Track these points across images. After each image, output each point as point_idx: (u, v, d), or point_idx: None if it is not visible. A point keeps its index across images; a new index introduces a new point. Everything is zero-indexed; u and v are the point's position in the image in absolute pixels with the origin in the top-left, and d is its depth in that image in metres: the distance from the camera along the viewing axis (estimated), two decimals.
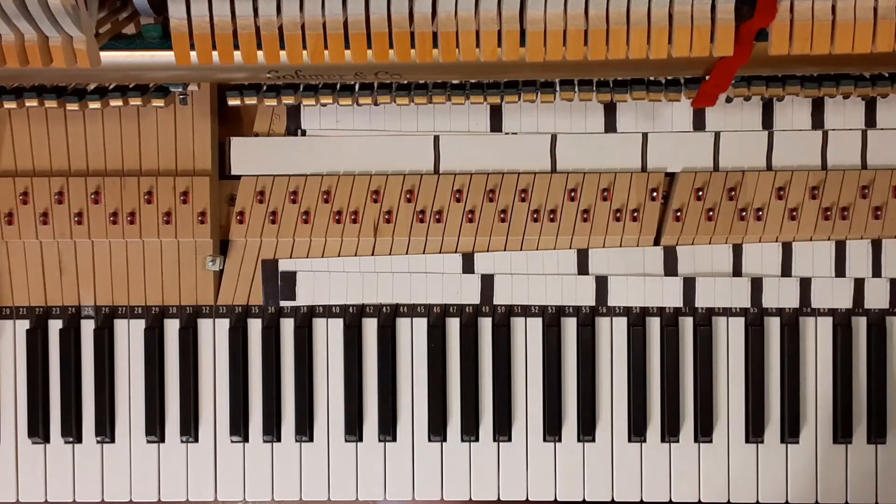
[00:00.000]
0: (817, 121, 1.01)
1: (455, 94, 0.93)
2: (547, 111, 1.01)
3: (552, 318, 1.03)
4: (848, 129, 1.01)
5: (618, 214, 1.01)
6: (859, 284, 1.01)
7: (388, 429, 1.03)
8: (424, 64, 0.77)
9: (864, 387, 1.03)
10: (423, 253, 1.02)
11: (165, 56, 0.77)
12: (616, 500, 1.03)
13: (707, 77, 0.84)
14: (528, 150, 1.02)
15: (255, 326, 1.04)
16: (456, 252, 1.02)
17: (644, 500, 1.03)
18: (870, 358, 1.02)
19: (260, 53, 0.74)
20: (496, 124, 1.02)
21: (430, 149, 1.02)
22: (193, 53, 0.74)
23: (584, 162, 1.02)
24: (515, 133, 1.02)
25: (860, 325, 1.03)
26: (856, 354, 1.02)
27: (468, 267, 1.02)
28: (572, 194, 1.01)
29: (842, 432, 1.02)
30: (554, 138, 1.02)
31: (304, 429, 1.03)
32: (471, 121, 1.02)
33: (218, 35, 0.73)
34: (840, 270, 1.01)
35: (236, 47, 0.74)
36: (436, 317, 1.03)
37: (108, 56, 0.77)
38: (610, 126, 1.02)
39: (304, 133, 1.03)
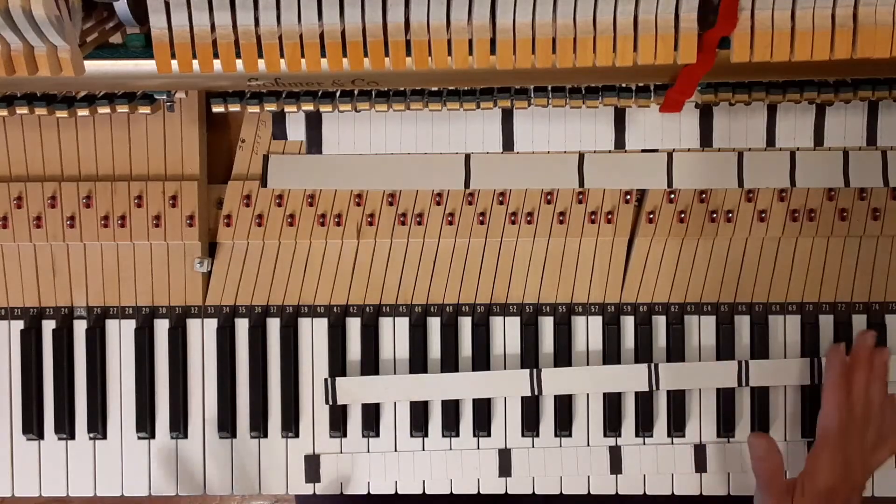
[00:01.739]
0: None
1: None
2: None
3: (529, 317, 1.06)
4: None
5: (593, 217, 1.04)
6: None
7: (371, 425, 1.05)
8: (398, 72, 0.79)
9: None
10: (404, 254, 1.05)
11: (149, 64, 0.80)
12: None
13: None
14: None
15: (242, 326, 1.07)
16: (436, 253, 1.06)
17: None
18: None
19: (239, 62, 0.77)
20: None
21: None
22: (175, 62, 0.76)
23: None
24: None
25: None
26: None
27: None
28: (548, 197, 1.04)
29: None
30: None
31: (290, 425, 1.06)
32: (485, 128, 1.05)
33: (198, 44, 0.75)
34: None
35: (216, 56, 0.76)
36: (417, 316, 1.06)
37: (93, 65, 0.79)
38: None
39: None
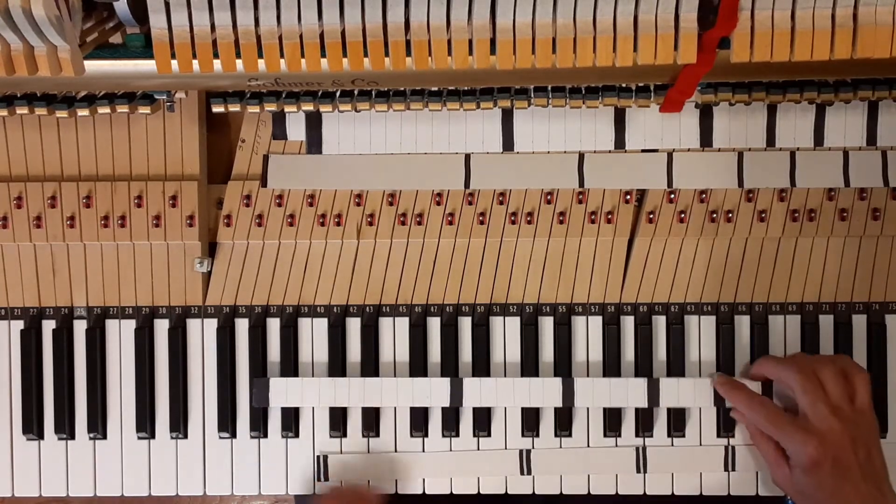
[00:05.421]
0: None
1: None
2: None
3: (529, 317, 1.06)
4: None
5: (593, 217, 1.04)
6: None
7: (371, 425, 1.05)
8: (398, 72, 0.79)
9: None
10: (404, 254, 1.05)
11: (149, 64, 0.80)
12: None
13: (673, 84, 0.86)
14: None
15: (242, 326, 1.06)
16: (436, 253, 1.06)
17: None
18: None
19: (239, 62, 0.77)
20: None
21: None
22: (175, 62, 0.76)
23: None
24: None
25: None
26: None
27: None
28: (548, 197, 1.04)
29: None
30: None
31: (290, 425, 1.06)
32: (485, 128, 1.04)
33: (198, 44, 0.75)
34: None
35: (216, 56, 0.76)
36: (417, 316, 1.06)
37: (93, 65, 0.79)
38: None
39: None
